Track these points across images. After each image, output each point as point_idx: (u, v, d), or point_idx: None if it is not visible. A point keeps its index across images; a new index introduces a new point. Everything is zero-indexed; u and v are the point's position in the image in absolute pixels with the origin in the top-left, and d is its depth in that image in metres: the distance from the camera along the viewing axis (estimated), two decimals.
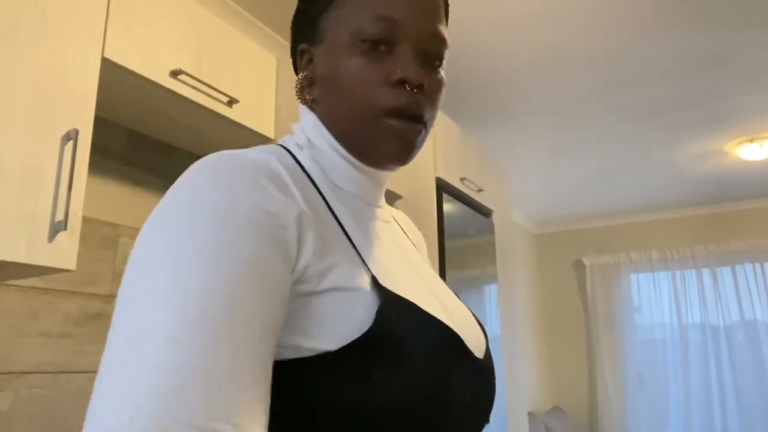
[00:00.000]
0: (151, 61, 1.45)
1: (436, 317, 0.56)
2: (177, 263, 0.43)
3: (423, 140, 0.64)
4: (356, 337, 0.49)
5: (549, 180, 4.42)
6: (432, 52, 0.63)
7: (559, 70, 2.75)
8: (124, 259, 1.66)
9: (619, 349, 5.24)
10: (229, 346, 0.41)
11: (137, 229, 1.72)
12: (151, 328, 0.40)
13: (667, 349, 5.10)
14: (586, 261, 5.59)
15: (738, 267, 5.00)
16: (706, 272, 5.12)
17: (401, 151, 0.61)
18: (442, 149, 2.33)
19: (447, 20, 0.68)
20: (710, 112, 3.24)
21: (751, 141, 3.65)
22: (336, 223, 0.58)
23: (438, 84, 0.63)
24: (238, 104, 1.72)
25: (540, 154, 3.88)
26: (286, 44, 2.47)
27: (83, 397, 1.50)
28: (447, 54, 0.65)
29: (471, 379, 0.58)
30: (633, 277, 5.44)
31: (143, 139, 1.79)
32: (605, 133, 3.54)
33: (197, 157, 1.97)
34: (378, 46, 0.60)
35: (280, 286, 0.47)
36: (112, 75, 1.41)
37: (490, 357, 0.65)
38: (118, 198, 1.68)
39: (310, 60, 0.65)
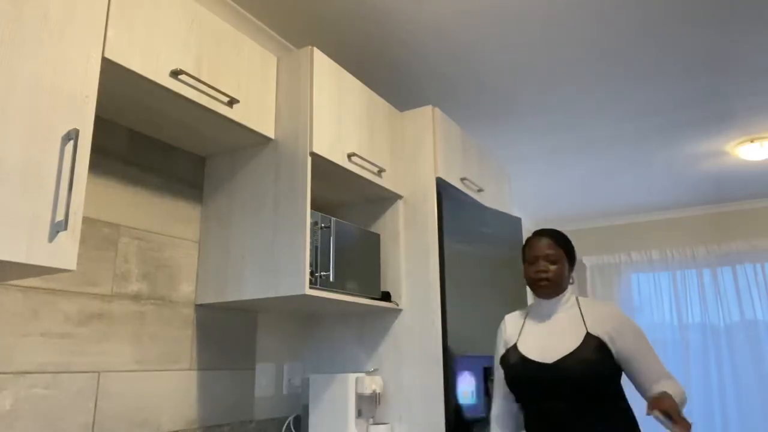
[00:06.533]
0: (151, 61, 1.45)
1: (521, 353, 1.74)
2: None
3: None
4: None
5: (549, 180, 4.42)
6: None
7: (560, 69, 2.75)
8: (125, 259, 1.66)
9: None
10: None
11: (137, 229, 1.72)
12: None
13: (668, 349, 5.10)
14: (586, 261, 5.58)
15: (738, 267, 5.00)
16: (706, 272, 5.11)
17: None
18: (442, 149, 2.33)
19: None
20: (710, 112, 3.24)
21: (751, 141, 3.65)
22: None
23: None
24: (238, 104, 1.72)
25: (540, 154, 3.88)
26: (287, 44, 2.48)
27: (83, 397, 1.50)
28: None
29: (533, 372, 1.69)
30: (633, 277, 5.43)
31: (143, 139, 1.79)
32: (605, 133, 3.54)
33: (197, 157, 1.97)
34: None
35: None
36: (113, 75, 1.41)
37: (558, 363, 1.65)
38: (118, 198, 1.68)
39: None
